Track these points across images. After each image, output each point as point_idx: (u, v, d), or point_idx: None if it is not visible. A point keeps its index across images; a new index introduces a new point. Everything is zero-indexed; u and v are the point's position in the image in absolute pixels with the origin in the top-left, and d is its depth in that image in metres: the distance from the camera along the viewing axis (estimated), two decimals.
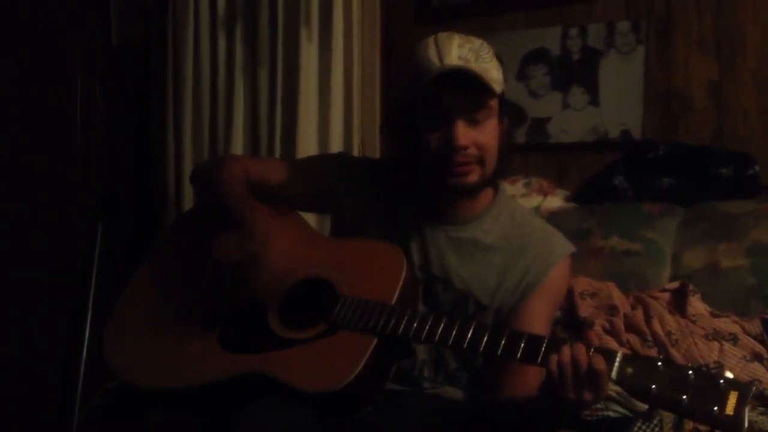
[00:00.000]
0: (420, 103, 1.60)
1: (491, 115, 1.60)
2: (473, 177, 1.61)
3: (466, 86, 1.55)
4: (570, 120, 2.78)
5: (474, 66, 1.55)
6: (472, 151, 1.59)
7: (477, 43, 1.60)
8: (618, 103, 2.71)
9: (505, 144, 1.65)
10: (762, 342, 1.99)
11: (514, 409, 1.58)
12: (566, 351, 1.32)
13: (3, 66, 2.80)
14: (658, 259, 2.32)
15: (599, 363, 1.30)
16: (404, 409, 1.61)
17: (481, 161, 1.61)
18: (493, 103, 1.60)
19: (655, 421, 1.80)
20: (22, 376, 2.82)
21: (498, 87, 1.59)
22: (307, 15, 2.89)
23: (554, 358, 1.33)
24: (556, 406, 1.39)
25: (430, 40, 1.60)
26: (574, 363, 1.31)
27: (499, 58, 1.65)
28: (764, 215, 2.26)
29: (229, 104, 3.06)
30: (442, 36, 1.60)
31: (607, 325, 2.12)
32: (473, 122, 1.58)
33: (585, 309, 2.18)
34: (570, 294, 2.22)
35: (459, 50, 1.56)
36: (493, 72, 1.59)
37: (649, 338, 2.06)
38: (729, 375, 1.23)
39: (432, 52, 1.57)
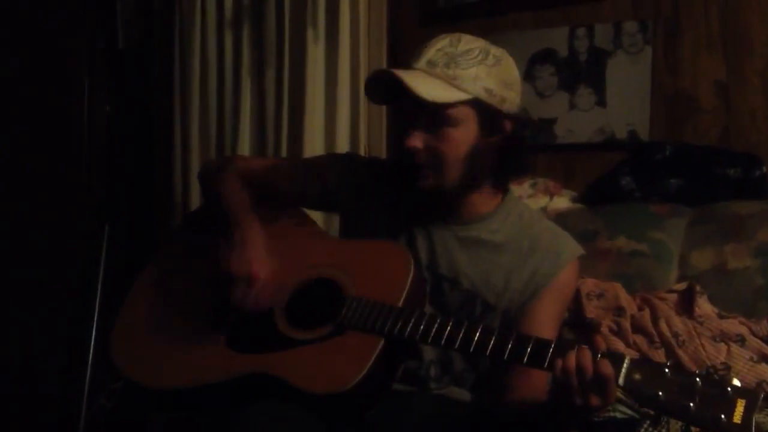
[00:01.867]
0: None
1: (455, 123, 1.56)
2: (427, 181, 1.59)
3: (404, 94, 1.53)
4: (577, 120, 2.78)
5: (438, 71, 1.54)
6: (424, 155, 1.57)
7: (466, 47, 1.58)
8: (625, 103, 2.70)
9: (480, 152, 1.59)
10: None
11: (520, 413, 1.57)
12: (571, 357, 1.31)
13: (9, 67, 2.80)
14: (665, 260, 2.31)
15: (606, 368, 1.28)
16: (408, 411, 1.61)
17: (435, 167, 1.58)
18: (456, 111, 1.55)
19: (662, 423, 1.80)
20: (28, 377, 2.83)
21: (456, 96, 1.54)
22: (314, 16, 2.90)
23: (559, 363, 1.32)
24: (564, 411, 1.38)
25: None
26: (579, 368, 1.30)
27: (502, 63, 1.61)
28: None
29: (236, 105, 3.07)
30: (439, 36, 1.59)
31: (614, 326, 2.12)
32: (430, 128, 1.56)
33: (592, 310, 2.18)
34: (577, 295, 2.21)
35: (434, 54, 1.55)
36: (464, 80, 1.54)
37: (656, 339, 2.05)
38: (737, 383, 1.22)
39: (416, 53, 1.57)
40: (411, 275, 1.55)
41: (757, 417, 1.77)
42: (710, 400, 1.21)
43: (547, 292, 1.64)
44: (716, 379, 1.24)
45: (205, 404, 1.63)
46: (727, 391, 1.21)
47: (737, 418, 1.19)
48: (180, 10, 3.12)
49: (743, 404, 1.20)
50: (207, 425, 1.62)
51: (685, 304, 2.14)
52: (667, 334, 2.04)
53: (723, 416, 1.20)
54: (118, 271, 2.87)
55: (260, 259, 1.63)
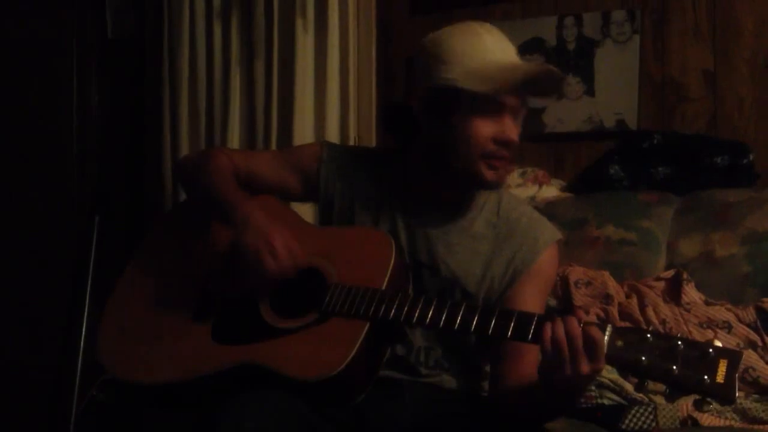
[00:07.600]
0: (474, 92, 1.55)
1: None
2: (504, 176, 1.63)
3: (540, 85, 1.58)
4: (565, 109, 2.78)
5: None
6: (513, 149, 1.59)
7: None
8: (613, 92, 2.71)
9: None
10: (756, 329, 2.00)
11: (515, 401, 1.56)
12: (559, 326, 1.31)
13: None
14: (653, 248, 2.32)
15: (595, 332, 1.29)
16: (399, 400, 1.61)
17: (512, 160, 1.62)
18: None
19: (649, 409, 1.82)
20: (19, 369, 2.83)
21: None
22: (303, 6, 2.90)
23: (548, 334, 1.32)
24: (556, 387, 1.35)
25: (483, 30, 1.60)
26: (569, 336, 1.30)
27: None
28: (759, 204, 2.26)
29: (225, 96, 3.06)
30: (492, 29, 1.61)
31: (602, 314, 2.13)
32: (517, 120, 1.60)
33: (580, 298, 2.19)
34: (565, 283, 2.23)
35: (513, 48, 1.62)
36: None
37: (644, 326, 2.06)
38: (718, 344, 1.23)
39: (497, 46, 1.58)
40: (393, 260, 1.56)
41: (746, 403, 1.81)
42: (693, 362, 1.22)
43: (527, 278, 1.64)
44: (697, 342, 1.25)
45: (193, 398, 1.62)
46: (709, 352, 1.22)
47: (720, 377, 1.20)
48: (169, 1, 3.11)
49: (725, 364, 1.21)
50: (197, 415, 1.61)
51: (673, 292, 2.16)
52: (655, 321, 2.06)
53: (706, 377, 1.21)
54: (109, 263, 2.87)
55: (275, 227, 1.62)
